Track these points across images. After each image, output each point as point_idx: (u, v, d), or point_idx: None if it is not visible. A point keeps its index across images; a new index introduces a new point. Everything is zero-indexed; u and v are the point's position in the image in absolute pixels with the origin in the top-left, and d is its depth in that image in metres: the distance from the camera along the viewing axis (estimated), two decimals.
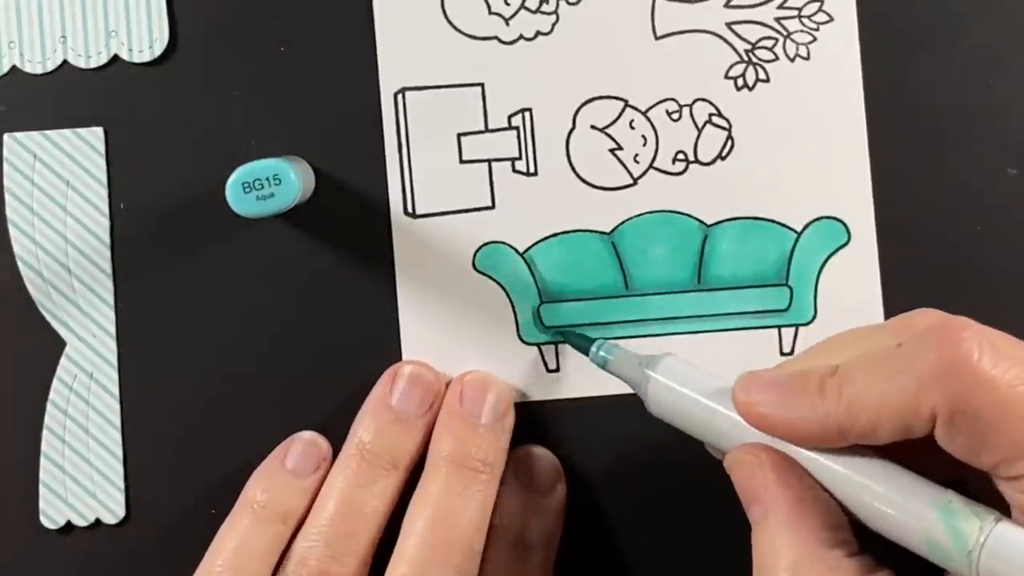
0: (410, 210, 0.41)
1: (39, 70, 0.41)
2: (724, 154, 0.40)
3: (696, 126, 0.40)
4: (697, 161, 0.40)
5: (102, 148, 0.41)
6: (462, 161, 0.41)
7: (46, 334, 0.40)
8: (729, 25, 0.40)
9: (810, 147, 0.40)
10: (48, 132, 0.41)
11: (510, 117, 0.41)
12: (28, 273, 0.40)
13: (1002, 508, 0.30)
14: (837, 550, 0.31)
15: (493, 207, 0.41)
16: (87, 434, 0.40)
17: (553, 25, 0.41)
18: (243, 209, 0.36)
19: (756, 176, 0.40)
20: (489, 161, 0.41)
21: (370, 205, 0.40)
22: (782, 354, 0.40)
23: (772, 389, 0.32)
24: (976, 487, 0.31)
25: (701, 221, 0.40)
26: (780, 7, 0.40)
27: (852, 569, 0.30)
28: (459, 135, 0.41)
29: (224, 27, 0.41)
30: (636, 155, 0.40)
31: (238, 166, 0.36)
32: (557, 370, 0.40)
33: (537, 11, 0.41)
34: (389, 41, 0.41)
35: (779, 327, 0.40)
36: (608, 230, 0.40)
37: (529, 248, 0.41)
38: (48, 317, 0.40)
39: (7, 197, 0.41)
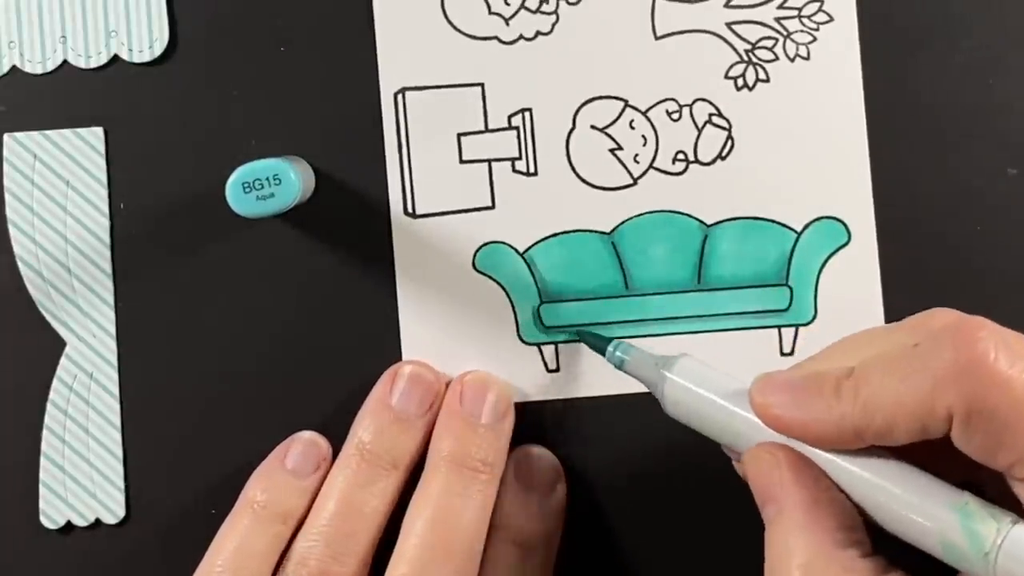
0: (410, 210, 0.41)
1: (39, 70, 0.41)
2: (724, 154, 0.40)
3: (696, 126, 0.40)
4: (697, 161, 0.40)
5: (102, 148, 0.41)
6: (462, 161, 0.41)
7: (46, 334, 0.40)
8: (729, 25, 0.40)
9: (810, 147, 0.40)
10: (48, 132, 0.41)
11: (510, 117, 0.41)
12: (28, 273, 0.40)
13: (1018, 511, 0.30)
14: (851, 550, 0.31)
15: (493, 207, 0.41)
16: (87, 434, 0.40)
17: (553, 25, 0.41)
18: (243, 209, 0.36)
19: (756, 176, 0.40)
20: (489, 161, 0.41)
21: (370, 205, 0.40)
22: (782, 354, 0.40)
23: (787, 391, 0.32)
24: (992, 490, 0.31)
25: (701, 221, 0.40)
26: (780, 7, 0.40)
27: (866, 569, 0.30)
28: (459, 135, 0.41)
29: (224, 27, 0.41)
30: (636, 155, 0.40)
31: (238, 166, 0.36)
32: (557, 370, 0.40)
33: (537, 11, 0.41)
34: (389, 41, 0.41)
35: (779, 327, 0.40)
36: (608, 230, 0.40)
37: (529, 248, 0.41)
38: (48, 317, 0.40)
39: (7, 197, 0.41)
